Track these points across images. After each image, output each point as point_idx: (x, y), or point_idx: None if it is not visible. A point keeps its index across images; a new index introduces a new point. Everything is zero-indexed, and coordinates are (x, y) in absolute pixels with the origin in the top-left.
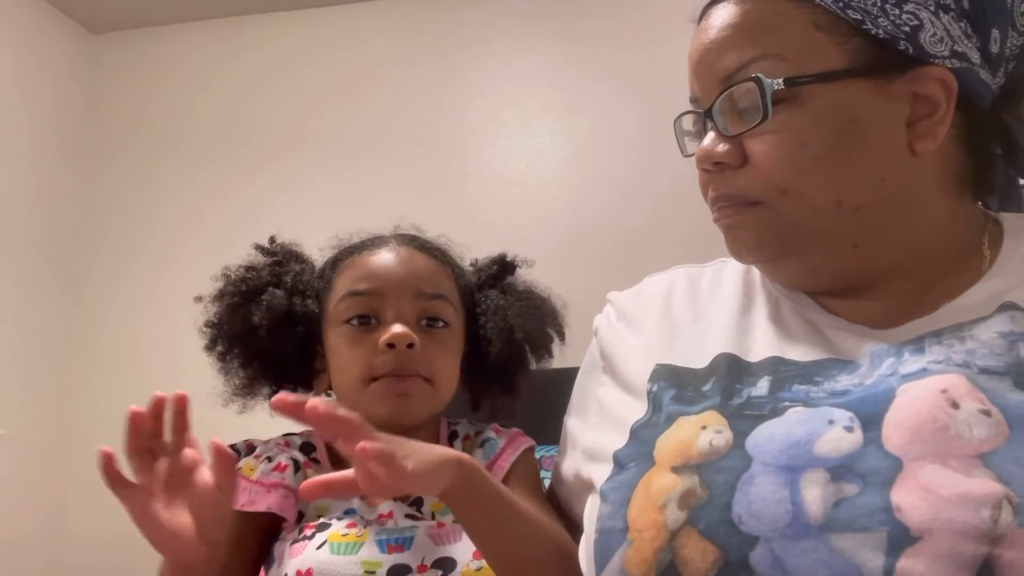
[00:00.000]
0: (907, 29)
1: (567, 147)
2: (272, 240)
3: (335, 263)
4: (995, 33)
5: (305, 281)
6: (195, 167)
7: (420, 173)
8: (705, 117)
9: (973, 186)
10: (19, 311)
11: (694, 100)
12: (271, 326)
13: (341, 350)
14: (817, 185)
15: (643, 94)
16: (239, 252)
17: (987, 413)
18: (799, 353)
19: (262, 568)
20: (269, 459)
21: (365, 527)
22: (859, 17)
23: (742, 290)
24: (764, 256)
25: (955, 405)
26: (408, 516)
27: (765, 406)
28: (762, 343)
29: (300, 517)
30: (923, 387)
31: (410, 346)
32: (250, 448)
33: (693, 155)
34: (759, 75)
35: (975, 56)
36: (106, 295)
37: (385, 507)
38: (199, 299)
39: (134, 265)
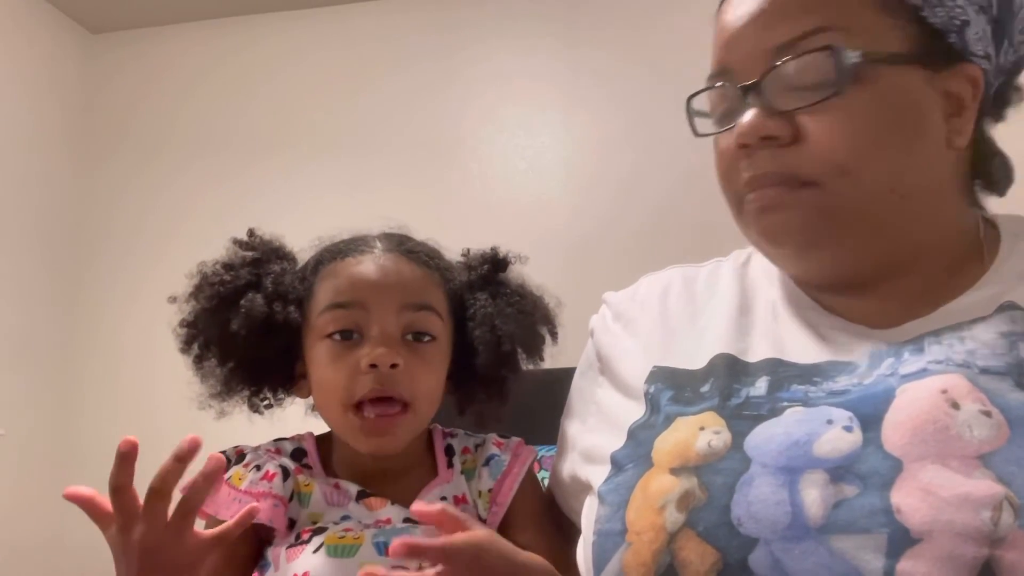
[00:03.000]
0: (958, 23)
1: (567, 147)
2: (251, 233)
3: (316, 266)
4: (1005, 43)
5: (286, 284)
6: (195, 166)
7: (419, 173)
8: (747, 91)
9: (971, 187)
10: (17, 310)
11: (721, 74)
12: (249, 334)
13: (323, 366)
14: (876, 168)
15: (643, 94)
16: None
17: (988, 414)
18: (798, 354)
19: (256, 572)
20: (258, 468)
21: (362, 529)
22: (919, 4)
23: (739, 291)
24: (802, 240)
25: (955, 405)
26: (407, 520)
27: (763, 406)
28: (760, 344)
29: (292, 524)
30: (923, 387)
31: (393, 366)
32: (240, 455)
33: (704, 136)
34: (838, 45)
35: (994, 61)
36: (105, 293)
37: (383, 513)
38: (173, 300)
39: (133, 264)
